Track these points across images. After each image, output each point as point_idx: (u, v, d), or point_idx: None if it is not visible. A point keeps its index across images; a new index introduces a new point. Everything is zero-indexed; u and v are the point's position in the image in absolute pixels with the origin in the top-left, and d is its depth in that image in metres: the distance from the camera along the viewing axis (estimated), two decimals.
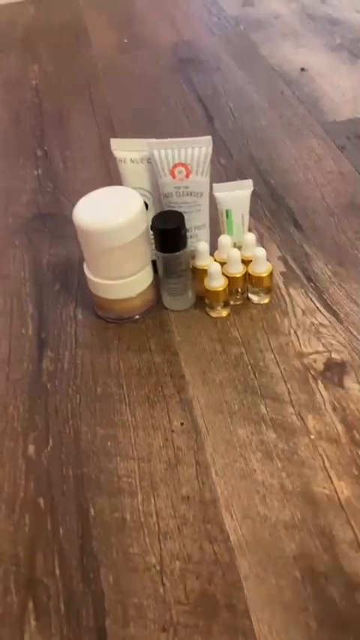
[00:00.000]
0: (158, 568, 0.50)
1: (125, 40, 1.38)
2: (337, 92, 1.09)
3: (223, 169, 0.93)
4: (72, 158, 1.01)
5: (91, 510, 0.54)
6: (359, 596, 0.47)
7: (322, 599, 0.48)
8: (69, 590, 0.50)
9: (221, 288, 0.68)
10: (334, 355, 0.65)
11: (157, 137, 0.67)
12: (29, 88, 1.24)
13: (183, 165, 0.66)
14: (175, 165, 0.66)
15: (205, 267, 0.68)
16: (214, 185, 0.70)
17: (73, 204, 0.66)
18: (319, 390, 0.62)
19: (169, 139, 0.66)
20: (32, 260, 0.82)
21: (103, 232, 0.63)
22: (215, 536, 0.52)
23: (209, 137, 0.66)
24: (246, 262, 0.70)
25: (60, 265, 0.80)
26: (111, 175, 0.91)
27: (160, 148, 0.66)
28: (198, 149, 0.65)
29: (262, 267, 0.69)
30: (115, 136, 1.02)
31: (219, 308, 0.70)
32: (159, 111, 1.10)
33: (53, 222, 0.87)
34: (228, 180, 0.89)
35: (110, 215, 0.64)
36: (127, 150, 0.68)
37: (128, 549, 0.51)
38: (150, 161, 0.67)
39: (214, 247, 0.72)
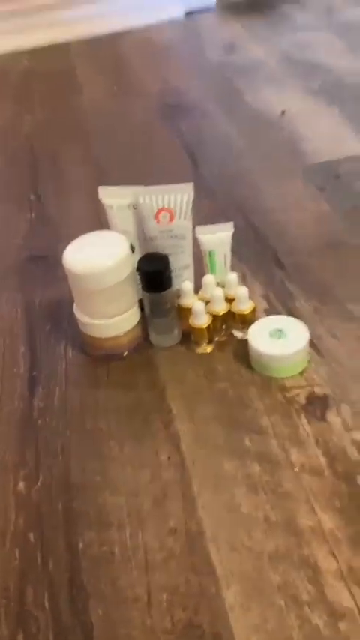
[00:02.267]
0: (146, 600, 0.51)
1: (115, 88, 1.44)
2: (317, 135, 1.14)
3: (208, 211, 0.96)
4: (64, 202, 1.05)
5: (80, 544, 0.56)
6: (343, 624, 0.48)
7: (306, 628, 0.49)
8: (58, 622, 0.51)
9: (205, 326, 0.71)
10: (316, 389, 0.67)
11: (145, 181, 0.71)
12: (22, 136, 1.29)
13: (167, 210, 0.69)
14: (159, 211, 0.69)
15: (190, 306, 0.71)
16: (197, 228, 0.73)
17: (65, 248, 0.69)
18: (302, 423, 0.64)
19: (153, 187, 0.69)
20: (25, 301, 0.84)
21: (91, 275, 0.66)
22: (201, 568, 0.53)
23: (191, 184, 0.69)
24: (229, 300, 0.73)
25: (51, 306, 0.83)
26: (100, 220, 0.94)
27: (144, 194, 0.69)
28: (180, 195, 0.69)
29: (244, 305, 0.72)
30: (105, 181, 1.06)
31: (204, 344, 0.73)
32: (147, 156, 1.15)
33: (45, 265, 0.90)
34: (213, 221, 0.93)
35: (98, 258, 0.67)
36: (114, 197, 0.72)
37: (116, 582, 0.53)
38: (135, 207, 0.71)
39: (198, 286, 0.75)
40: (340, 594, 0.50)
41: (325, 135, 1.13)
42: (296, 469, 0.60)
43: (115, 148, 1.19)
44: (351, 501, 0.56)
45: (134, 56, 1.60)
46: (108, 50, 1.66)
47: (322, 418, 0.64)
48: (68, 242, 0.70)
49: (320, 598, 0.50)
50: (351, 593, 0.50)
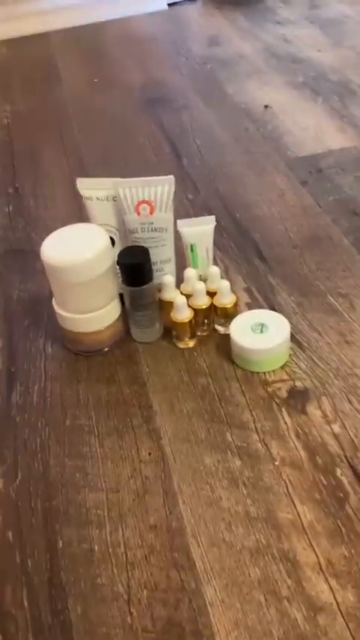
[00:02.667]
0: (126, 597, 0.51)
1: (95, 80, 1.42)
2: (300, 129, 1.13)
3: (190, 204, 0.96)
4: (43, 195, 1.03)
5: (60, 542, 0.55)
6: (321, 618, 0.48)
7: (285, 622, 0.49)
8: (37, 622, 0.50)
9: (187, 320, 0.70)
10: (297, 383, 0.67)
11: (126, 174, 0.70)
12: (1, 127, 1.27)
13: (147, 202, 0.68)
14: (139, 203, 0.68)
15: (171, 300, 0.70)
16: (178, 221, 0.73)
17: (44, 241, 0.68)
18: (283, 417, 0.64)
19: (133, 179, 0.68)
20: (2, 295, 0.83)
21: (70, 268, 0.65)
22: (182, 564, 0.53)
23: (171, 176, 0.68)
24: (211, 294, 0.72)
25: (30, 300, 0.82)
26: (81, 212, 0.93)
27: (124, 186, 0.68)
28: (161, 187, 0.68)
29: (226, 299, 0.71)
30: (85, 173, 1.05)
31: (186, 339, 0.72)
32: (128, 149, 1.14)
33: (23, 259, 0.89)
34: (195, 214, 0.93)
35: (77, 251, 0.66)
36: (93, 188, 0.71)
37: (96, 580, 0.52)
38: (115, 199, 0.70)
39: (180, 280, 0.75)
40: (318, 587, 0.50)
41: (308, 129, 1.13)
42: (276, 463, 0.60)
43: (96, 140, 1.18)
44: (330, 494, 0.56)
45: (116, 47, 1.58)
46: (89, 41, 1.65)
47: (303, 411, 0.64)
48: (47, 235, 0.69)
49: (299, 592, 0.50)
50: (329, 587, 0.50)
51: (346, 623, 0.48)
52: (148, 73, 1.43)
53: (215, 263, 0.79)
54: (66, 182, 1.04)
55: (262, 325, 0.68)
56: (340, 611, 0.49)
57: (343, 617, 0.48)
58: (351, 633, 0.47)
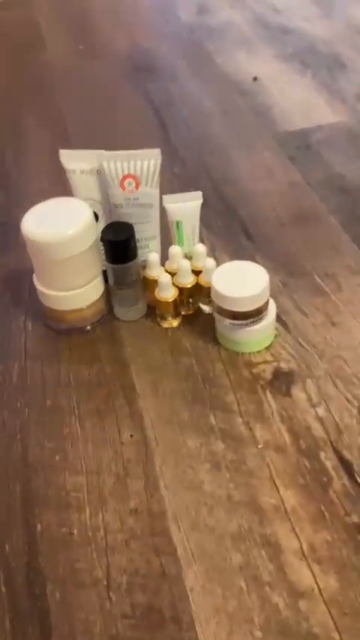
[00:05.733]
0: (105, 583, 0.50)
1: (81, 47, 1.38)
2: (288, 102, 1.11)
3: (176, 178, 0.93)
4: (25, 166, 1.00)
5: (38, 526, 0.54)
6: (303, 603, 0.48)
7: (266, 608, 0.48)
8: (15, 607, 0.49)
9: (172, 299, 0.68)
10: (282, 364, 0.66)
11: (111, 146, 0.67)
12: None
13: (132, 177, 0.66)
14: (124, 177, 0.66)
15: (156, 278, 0.69)
16: (164, 196, 0.70)
17: (25, 214, 0.65)
18: (267, 399, 0.63)
19: (118, 151, 0.66)
20: None
21: (52, 244, 0.63)
22: (163, 549, 0.52)
23: (158, 150, 0.66)
24: (197, 273, 0.71)
25: (10, 275, 0.79)
26: (64, 184, 0.90)
27: (109, 159, 0.66)
28: (147, 161, 0.66)
29: (212, 278, 0.69)
30: (69, 145, 1.02)
31: (170, 318, 0.71)
32: (114, 119, 1.10)
33: (4, 232, 0.86)
34: (181, 189, 0.90)
35: (59, 226, 0.63)
36: (76, 161, 0.68)
37: (75, 565, 0.51)
38: (99, 172, 0.67)
39: (165, 258, 0.73)
40: (300, 573, 0.50)
41: (297, 102, 1.10)
42: (260, 446, 0.59)
43: (80, 110, 1.14)
44: (314, 478, 0.56)
45: (102, 13, 1.53)
46: (75, 6, 1.59)
47: (287, 394, 0.63)
48: (29, 207, 0.66)
49: (281, 577, 0.50)
50: (311, 572, 0.50)
51: (328, 609, 0.48)
52: (134, 41, 1.38)
53: (201, 240, 0.77)
54: (49, 153, 1.01)
55: None
56: (322, 597, 0.48)
57: (325, 603, 0.48)
58: (333, 619, 0.47)
